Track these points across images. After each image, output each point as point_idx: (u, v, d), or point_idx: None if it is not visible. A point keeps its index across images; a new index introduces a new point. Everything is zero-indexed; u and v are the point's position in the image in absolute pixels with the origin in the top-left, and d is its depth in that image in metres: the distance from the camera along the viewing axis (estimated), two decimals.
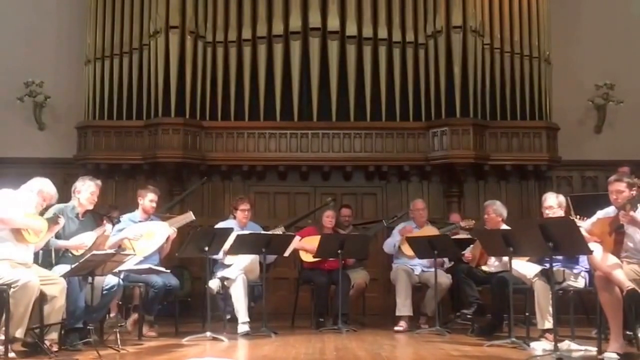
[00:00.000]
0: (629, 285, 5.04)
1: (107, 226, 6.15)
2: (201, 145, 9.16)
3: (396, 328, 7.24)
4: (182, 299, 7.71)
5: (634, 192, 5.33)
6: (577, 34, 9.89)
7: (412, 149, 9.21)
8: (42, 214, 5.60)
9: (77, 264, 5.38)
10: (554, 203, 6.24)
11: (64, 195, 6.05)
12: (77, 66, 9.53)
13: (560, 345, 5.36)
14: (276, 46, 9.14)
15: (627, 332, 5.45)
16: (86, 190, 6.06)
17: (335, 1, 9.27)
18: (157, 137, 8.99)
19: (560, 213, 6.20)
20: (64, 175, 8.64)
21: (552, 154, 9.24)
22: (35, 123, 9.70)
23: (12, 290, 5.02)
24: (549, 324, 5.73)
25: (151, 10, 9.24)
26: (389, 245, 7.78)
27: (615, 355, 5.03)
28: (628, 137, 9.61)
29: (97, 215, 6.48)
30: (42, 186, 5.61)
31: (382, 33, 9.21)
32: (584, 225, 5.58)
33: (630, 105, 9.62)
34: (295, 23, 9.16)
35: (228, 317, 6.99)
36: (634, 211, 5.20)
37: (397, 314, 7.35)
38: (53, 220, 5.53)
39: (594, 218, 5.64)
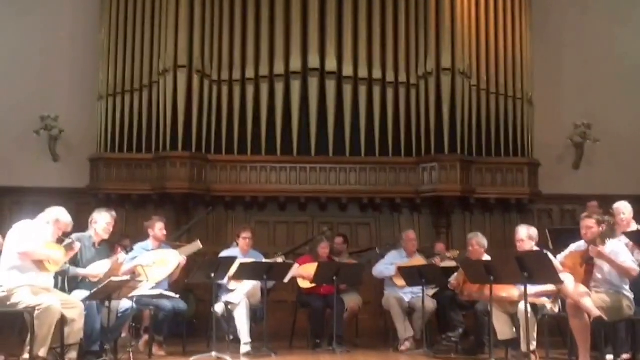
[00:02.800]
0: (596, 312, 5.46)
1: (121, 255, 6.49)
2: (207, 178, 9.33)
3: (401, 348, 7.56)
4: (187, 320, 7.87)
5: (603, 228, 5.74)
6: (558, 77, 10.15)
7: (404, 182, 9.42)
8: (60, 241, 5.82)
9: (97, 289, 5.74)
10: (524, 236, 6.52)
11: (76, 222, 6.23)
12: (90, 101, 9.69)
13: None
14: (277, 85, 9.35)
15: (594, 354, 5.85)
16: (102, 221, 6.37)
17: (333, 44, 9.41)
18: (166, 170, 9.17)
19: (532, 245, 6.48)
20: (76, 205, 8.69)
21: (534, 189, 9.49)
22: (50, 155, 9.84)
23: (36, 312, 5.36)
24: (532, 346, 6.06)
25: (160, 50, 9.43)
26: (378, 271, 8.04)
27: None
28: (603, 173, 9.88)
29: (110, 244, 6.91)
30: (58, 216, 5.84)
31: (377, 74, 9.43)
32: (558, 257, 5.98)
33: (606, 143, 9.87)
34: (296, 64, 9.36)
35: (231, 337, 7.23)
36: (603, 245, 5.64)
37: (400, 337, 7.63)
38: (69, 247, 5.81)
39: (566, 251, 6.05)
